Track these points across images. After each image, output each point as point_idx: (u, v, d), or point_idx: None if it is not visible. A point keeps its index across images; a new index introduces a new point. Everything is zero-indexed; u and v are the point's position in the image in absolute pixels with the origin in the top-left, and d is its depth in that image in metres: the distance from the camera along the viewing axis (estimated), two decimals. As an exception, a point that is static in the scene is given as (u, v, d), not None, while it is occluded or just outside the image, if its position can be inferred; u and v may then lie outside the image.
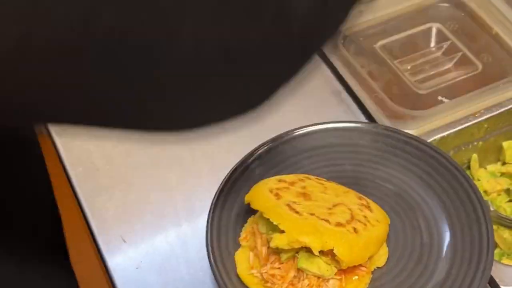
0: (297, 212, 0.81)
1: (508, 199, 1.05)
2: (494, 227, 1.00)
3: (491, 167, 1.07)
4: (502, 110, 1.02)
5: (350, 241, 0.79)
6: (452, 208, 0.88)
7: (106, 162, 0.98)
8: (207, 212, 0.87)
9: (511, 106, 1.03)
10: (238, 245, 0.86)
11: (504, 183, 1.05)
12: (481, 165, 1.07)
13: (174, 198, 0.94)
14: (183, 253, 0.89)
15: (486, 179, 1.05)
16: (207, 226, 0.87)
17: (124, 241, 0.90)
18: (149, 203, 0.94)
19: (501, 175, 1.07)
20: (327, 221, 0.80)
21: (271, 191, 0.84)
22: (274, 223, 0.80)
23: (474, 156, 1.05)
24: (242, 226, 0.88)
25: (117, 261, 0.89)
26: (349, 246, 0.79)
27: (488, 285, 0.85)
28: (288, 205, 0.82)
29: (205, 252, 0.85)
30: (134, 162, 0.98)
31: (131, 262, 0.89)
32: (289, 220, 0.79)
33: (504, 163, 1.07)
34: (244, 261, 0.84)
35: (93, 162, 0.97)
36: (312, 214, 0.81)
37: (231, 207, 0.89)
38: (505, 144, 1.06)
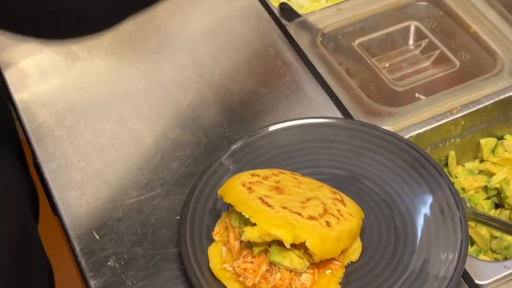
0: (269, 206, 0.80)
1: (485, 196, 1.05)
2: (472, 224, 1.00)
3: (468, 165, 1.07)
4: (479, 107, 1.02)
5: (323, 234, 0.79)
6: (428, 204, 0.88)
7: (80, 158, 0.97)
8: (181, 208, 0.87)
9: (488, 103, 1.02)
10: (211, 240, 0.85)
11: (482, 180, 1.05)
12: (459, 162, 1.06)
13: (146, 194, 0.93)
14: (157, 247, 0.88)
15: (464, 176, 1.05)
16: (180, 221, 0.86)
17: (97, 237, 0.90)
18: (123, 199, 0.93)
19: (478, 173, 1.06)
20: (299, 214, 0.80)
21: (243, 185, 0.83)
22: (246, 216, 0.79)
23: (452, 153, 1.04)
24: (216, 221, 0.87)
25: (90, 255, 0.88)
26: (321, 239, 0.78)
27: (463, 279, 0.85)
28: (260, 198, 0.81)
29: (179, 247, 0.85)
30: (107, 157, 0.97)
31: (104, 256, 0.88)
32: (260, 213, 0.79)
33: (481, 161, 1.07)
34: (217, 255, 0.84)
35: (67, 158, 0.97)
36: (284, 208, 0.80)
37: (205, 203, 0.89)
38: (483, 141, 1.06)
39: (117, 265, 0.87)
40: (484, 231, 1.01)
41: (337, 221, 0.81)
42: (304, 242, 0.77)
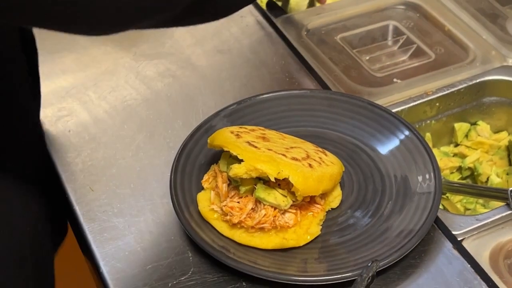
0: (255, 147, 0.85)
1: (460, 176, 1.10)
2: (446, 196, 1.05)
3: (444, 148, 1.12)
4: (453, 89, 1.08)
5: (305, 172, 0.83)
6: (403, 160, 0.93)
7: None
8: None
9: (461, 87, 1.09)
10: (201, 189, 0.89)
11: (456, 161, 1.10)
12: (435, 146, 1.12)
13: (139, 154, 0.98)
14: (148, 198, 0.92)
15: (439, 157, 1.10)
16: (171, 174, 0.90)
17: (92, 190, 0.94)
18: (115, 159, 0.97)
19: (453, 156, 1.12)
20: (284, 155, 0.85)
21: (232, 132, 0.88)
22: (233, 153, 0.84)
23: (428, 134, 1.10)
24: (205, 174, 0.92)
25: (85, 207, 0.91)
26: (304, 177, 0.83)
27: (440, 231, 0.89)
28: (247, 142, 0.86)
29: (169, 198, 0.89)
30: (104, 124, 1.02)
31: (98, 207, 0.92)
32: (247, 152, 0.84)
33: (456, 145, 1.12)
34: (205, 200, 0.88)
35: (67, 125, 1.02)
36: (270, 150, 0.85)
37: (195, 159, 0.93)
38: (457, 125, 1.11)
39: (109, 213, 0.91)
40: (458, 204, 1.06)
41: (319, 165, 0.86)
42: (288, 179, 0.82)
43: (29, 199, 0.88)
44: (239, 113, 0.99)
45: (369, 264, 0.73)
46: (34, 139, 0.96)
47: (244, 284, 0.83)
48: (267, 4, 1.21)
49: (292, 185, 0.82)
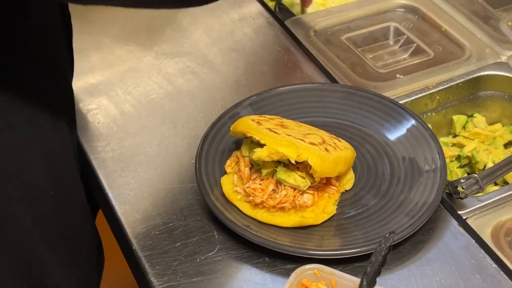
0: (276, 133, 0.87)
1: (458, 165, 1.13)
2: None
3: (443, 139, 1.15)
4: (451, 84, 1.11)
5: (322, 155, 0.86)
6: (409, 144, 0.96)
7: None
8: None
9: (459, 81, 1.12)
10: (224, 173, 0.92)
11: (455, 150, 1.13)
12: (435, 137, 1.14)
13: (164, 143, 1.00)
14: (174, 182, 0.94)
15: (440, 147, 1.13)
16: (196, 158, 0.93)
17: (122, 175, 0.96)
18: (142, 148, 1.00)
19: (452, 145, 1.14)
20: (302, 140, 0.87)
21: (253, 120, 0.91)
22: (256, 139, 0.86)
23: (429, 126, 1.12)
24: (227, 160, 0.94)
25: (116, 191, 0.94)
26: (321, 160, 0.85)
27: (445, 209, 0.91)
28: (268, 129, 0.88)
29: (194, 182, 0.91)
30: (130, 116, 1.04)
31: (128, 190, 0.94)
32: (269, 137, 0.86)
33: (454, 136, 1.15)
34: (229, 183, 0.90)
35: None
36: (289, 135, 0.88)
37: (217, 146, 0.96)
38: (455, 117, 1.14)
39: (139, 196, 0.93)
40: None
41: (334, 149, 0.89)
42: (307, 161, 0.84)
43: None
44: (258, 104, 1.01)
45: (386, 235, 0.76)
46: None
47: (266, 259, 0.85)
48: (277, 7, 1.23)
49: (310, 167, 0.85)
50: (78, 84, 1.08)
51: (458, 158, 1.13)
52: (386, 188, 0.92)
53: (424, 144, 0.94)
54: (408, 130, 0.97)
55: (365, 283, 0.72)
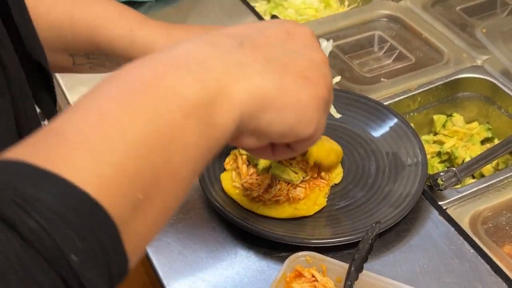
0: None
1: (439, 160, 1.14)
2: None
3: (425, 137, 1.16)
4: (431, 86, 1.12)
5: (318, 143, 0.86)
6: (392, 140, 0.97)
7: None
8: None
9: (438, 84, 1.13)
10: (223, 170, 0.93)
11: (436, 147, 1.14)
12: (417, 135, 1.15)
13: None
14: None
15: (421, 144, 1.14)
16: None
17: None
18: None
19: (433, 143, 1.15)
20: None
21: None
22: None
23: (411, 125, 1.13)
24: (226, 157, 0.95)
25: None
26: (317, 145, 0.86)
27: (426, 199, 0.92)
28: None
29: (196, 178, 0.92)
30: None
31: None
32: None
33: (435, 134, 1.16)
34: (228, 179, 0.91)
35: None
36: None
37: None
38: (435, 117, 1.15)
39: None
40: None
41: (327, 141, 0.90)
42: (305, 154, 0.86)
43: None
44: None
45: (373, 225, 0.76)
46: None
47: (263, 248, 0.86)
48: (271, 18, 1.25)
49: (303, 163, 0.86)
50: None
51: (439, 154, 1.14)
52: (372, 182, 0.93)
53: (406, 140, 0.95)
54: (391, 128, 0.98)
55: (353, 268, 0.73)
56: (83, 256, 0.40)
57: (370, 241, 0.76)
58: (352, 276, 0.73)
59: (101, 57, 0.80)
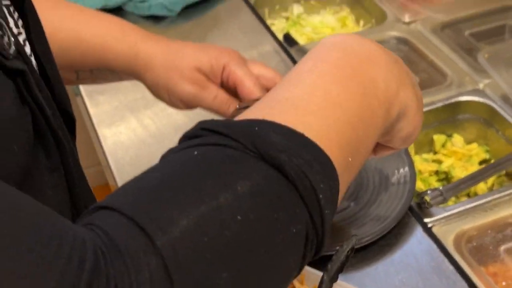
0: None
1: (437, 178, 1.12)
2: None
3: (424, 155, 1.15)
4: (433, 107, 1.11)
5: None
6: (384, 159, 0.96)
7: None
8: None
9: (439, 105, 1.12)
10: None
11: (434, 166, 1.12)
12: (417, 153, 1.14)
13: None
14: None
15: (420, 162, 1.13)
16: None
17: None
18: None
19: (432, 161, 1.14)
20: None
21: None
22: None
23: (411, 145, 1.12)
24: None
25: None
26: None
27: (414, 218, 0.91)
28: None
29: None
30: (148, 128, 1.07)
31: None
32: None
33: (434, 153, 1.15)
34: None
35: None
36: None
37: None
38: (435, 137, 1.14)
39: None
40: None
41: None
42: None
43: None
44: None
45: (351, 237, 0.76)
46: None
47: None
48: (284, 36, 1.25)
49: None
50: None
51: (437, 172, 1.13)
52: (360, 196, 0.92)
53: (397, 158, 0.95)
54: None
55: (325, 277, 0.73)
56: (325, 196, 0.48)
57: (346, 253, 0.75)
58: (325, 284, 0.73)
59: (105, 71, 0.82)
